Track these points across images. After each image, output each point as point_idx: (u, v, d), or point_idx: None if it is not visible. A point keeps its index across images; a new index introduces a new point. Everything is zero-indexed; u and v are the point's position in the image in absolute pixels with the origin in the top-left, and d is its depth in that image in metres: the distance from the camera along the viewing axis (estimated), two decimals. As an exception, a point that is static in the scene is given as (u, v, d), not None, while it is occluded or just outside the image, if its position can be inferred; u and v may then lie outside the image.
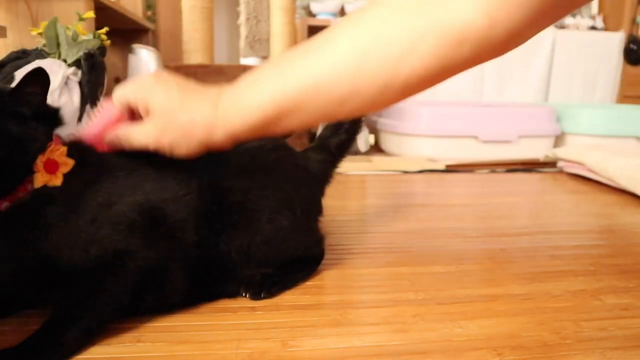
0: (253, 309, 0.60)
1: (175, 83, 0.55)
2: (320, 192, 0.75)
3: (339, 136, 0.78)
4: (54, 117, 0.52)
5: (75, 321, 0.49)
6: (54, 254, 0.48)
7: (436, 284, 0.68)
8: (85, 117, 0.97)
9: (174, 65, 1.73)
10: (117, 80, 2.11)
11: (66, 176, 0.50)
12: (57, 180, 0.50)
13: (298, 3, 2.55)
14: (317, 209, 0.73)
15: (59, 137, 0.53)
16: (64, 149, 0.51)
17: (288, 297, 0.63)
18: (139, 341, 0.51)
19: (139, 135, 0.55)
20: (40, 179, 0.49)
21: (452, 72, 0.47)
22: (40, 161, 0.49)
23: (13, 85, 0.49)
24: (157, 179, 0.56)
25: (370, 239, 0.87)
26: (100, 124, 0.57)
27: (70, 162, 0.51)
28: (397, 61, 0.46)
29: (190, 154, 0.55)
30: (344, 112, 0.51)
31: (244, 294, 0.62)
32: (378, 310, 0.60)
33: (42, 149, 0.50)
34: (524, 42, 0.46)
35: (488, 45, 0.44)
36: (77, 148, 0.53)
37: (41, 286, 0.51)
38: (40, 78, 0.49)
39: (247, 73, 0.54)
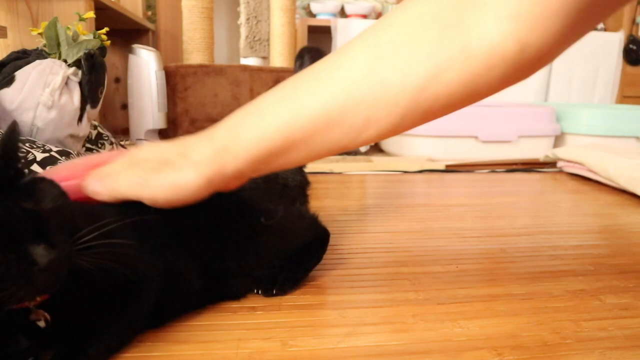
0: (253, 308, 0.60)
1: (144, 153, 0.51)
2: (296, 173, 0.74)
3: None
4: None
5: (101, 337, 0.47)
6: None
7: (436, 284, 0.68)
8: (84, 118, 0.97)
9: (174, 65, 1.73)
10: (117, 80, 2.11)
11: None
12: None
13: (298, 3, 2.55)
14: (299, 192, 0.73)
15: None
16: None
17: (288, 297, 0.63)
18: (139, 341, 0.51)
19: (123, 182, 0.50)
20: None
21: (477, 97, 0.45)
22: None
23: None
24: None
25: (370, 239, 0.87)
26: (74, 167, 0.52)
27: None
28: (419, 89, 0.42)
29: (178, 204, 0.50)
30: (358, 141, 0.46)
31: (256, 291, 0.62)
32: (378, 310, 0.60)
33: None
34: (552, 61, 0.44)
35: (518, 68, 0.42)
36: None
37: None
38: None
39: (240, 108, 0.50)
